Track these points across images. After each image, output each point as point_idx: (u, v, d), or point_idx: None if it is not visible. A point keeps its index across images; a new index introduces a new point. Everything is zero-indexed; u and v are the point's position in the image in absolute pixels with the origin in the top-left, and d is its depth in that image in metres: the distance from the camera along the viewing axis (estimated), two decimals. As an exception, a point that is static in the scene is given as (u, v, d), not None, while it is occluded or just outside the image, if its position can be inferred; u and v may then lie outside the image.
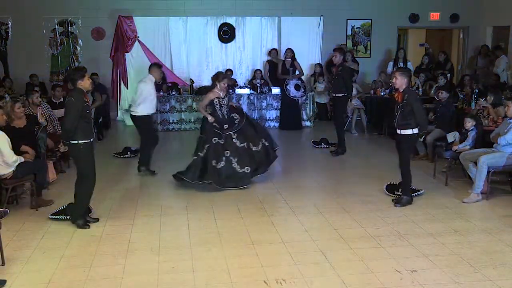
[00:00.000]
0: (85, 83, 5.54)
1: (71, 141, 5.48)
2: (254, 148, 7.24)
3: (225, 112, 7.35)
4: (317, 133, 11.17)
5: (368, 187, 7.16)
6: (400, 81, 6.22)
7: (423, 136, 6.53)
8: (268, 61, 12.72)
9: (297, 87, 11.76)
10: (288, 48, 12.00)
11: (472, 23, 14.09)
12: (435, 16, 14.08)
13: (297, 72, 11.90)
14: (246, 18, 13.07)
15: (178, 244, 5.24)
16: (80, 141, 5.48)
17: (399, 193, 6.65)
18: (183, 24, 12.89)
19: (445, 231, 5.52)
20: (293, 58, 11.87)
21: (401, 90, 6.23)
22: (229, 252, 5.02)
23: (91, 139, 5.61)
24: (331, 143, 9.77)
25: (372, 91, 11.81)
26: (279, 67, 11.99)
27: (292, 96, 11.73)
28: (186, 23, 12.89)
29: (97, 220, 5.87)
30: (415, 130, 6.20)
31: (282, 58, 12.27)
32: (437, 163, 7.69)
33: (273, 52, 12.58)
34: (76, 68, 5.85)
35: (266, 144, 7.36)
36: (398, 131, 6.31)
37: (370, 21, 13.87)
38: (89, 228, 5.64)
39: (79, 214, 5.69)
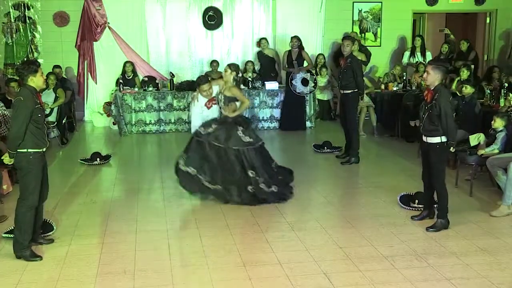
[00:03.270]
0: (37, 80, 5.37)
1: (18, 150, 5.27)
2: None
3: None
4: (319, 135, 11.20)
5: (379, 198, 7.17)
6: (432, 77, 5.87)
7: (452, 148, 6.12)
8: (258, 52, 12.76)
9: (304, 82, 11.62)
10: (294, 36, 11.64)
11: (501, 5, 14.15)
12: (456, -3, 14.17)
13: (305, 64, 11.71)
14: (235, 1, 13.10)
15: (157, 265, 5.22)
16: (29, 150, 5.29)
17: (416, 205, 6.67)
18: (161, 8, 12.90)
19: (471, 249, 5.53)
20: (301, 47, 11.60)
21: (432, 88, 5.92)
22: (216, 275, 5.01)
23: (44, 149, 5.43)
24: (335, 147, 9.77)
25: (383, 86, 11.83)
26: (284, 58, 11.82)
27: (299, 93, 11.62)
28: (164, 7, 12.90)
29: (51, 241, 5.73)
30: (444, 138, 5.91)
31: (279, 48, 12.26)
32: (460, 170, 7.72)
33: (263, 42, 12.55)
34: (26, 62, 5.71)
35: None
36: (424, 139, 6.04)
37: (380, 4, 13.93)
38: (41, 259, 5.37)
39: (24, 245, 5.37)
